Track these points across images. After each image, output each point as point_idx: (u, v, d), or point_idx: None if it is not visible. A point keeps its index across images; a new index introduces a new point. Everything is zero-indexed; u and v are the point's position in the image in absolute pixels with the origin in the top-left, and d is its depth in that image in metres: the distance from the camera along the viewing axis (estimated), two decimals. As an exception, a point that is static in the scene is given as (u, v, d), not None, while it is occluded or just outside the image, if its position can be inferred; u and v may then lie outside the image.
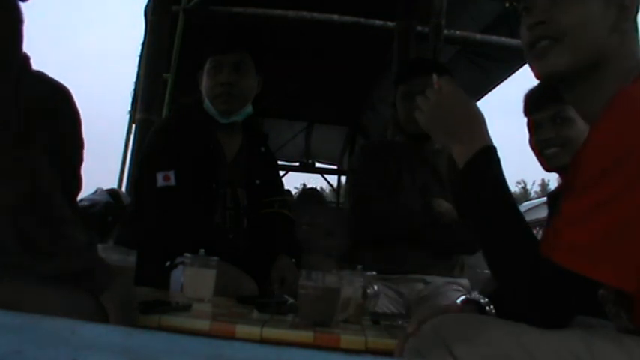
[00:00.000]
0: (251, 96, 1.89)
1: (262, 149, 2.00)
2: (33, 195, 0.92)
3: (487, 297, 0.96)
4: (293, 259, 1.79)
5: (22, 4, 0.94)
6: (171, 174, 1.71)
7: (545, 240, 0.82)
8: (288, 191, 5.35)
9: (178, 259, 1.61)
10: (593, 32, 0.90)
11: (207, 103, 1.86)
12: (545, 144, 1.56)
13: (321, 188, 17.70)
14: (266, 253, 1.78)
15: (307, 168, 8.65)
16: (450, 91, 0.99)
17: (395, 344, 1.07)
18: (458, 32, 4.06)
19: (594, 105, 0.90)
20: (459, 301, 1.00)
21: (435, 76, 1.04)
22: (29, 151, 0.93)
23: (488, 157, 0.93)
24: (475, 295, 0.98)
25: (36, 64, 1.06)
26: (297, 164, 8.38)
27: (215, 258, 1.43)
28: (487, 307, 0.94)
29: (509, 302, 0.90)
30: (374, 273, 1.46)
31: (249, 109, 1.89)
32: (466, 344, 0.79)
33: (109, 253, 1.27)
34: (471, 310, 0.95)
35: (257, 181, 1.93)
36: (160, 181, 1.71)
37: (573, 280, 0.78)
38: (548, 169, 1.57)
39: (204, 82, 1.87)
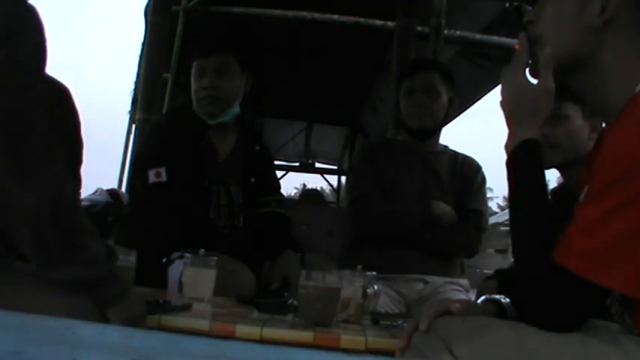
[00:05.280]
0: (236, 97, 1.90)
1: (257, 148, 2.01)
2: (58, 201, 0.93)
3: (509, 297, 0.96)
4: (299, 253, 1.80)
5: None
6: (163, 170, 1.75)
7: (559, 245, 0.82)
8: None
9: (175, 255, 1.62)
10: (567, 32, 0.92)
11: (195, 105, 1.88)
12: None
13: (321, 188, 17.69)
14: (265, 251, 1.79)
15: (307, 168, 8.66)
16: (507, 79, 0.97)
17: (395, 344, 1.08)
18: (458, 32, 4.06)
19: (604, 102, 0.90)
20: (479, 301, 1.00)
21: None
22: (56, 156, 0.94)
23: (525, 152, 0.93)
24: (496, 295, 0.98)
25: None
26: (297, 164, 8.38)
27: (215, 258, 1.44)
28: (508, 308, 0.95)
29: (521, 301, 0.91)
30: (374, 273, 1.46)
31: (235, 109, 1.91)
32: (466, 344, 0.79)
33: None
34: (492, 310, 0.95)
35: (252, 179, 1.94)
36: (152, 177, 1.75)
37: (585, 286, 0.78)
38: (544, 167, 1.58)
39: (192, 86, 1.90)
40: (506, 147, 0.95)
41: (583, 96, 0.96)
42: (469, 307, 0.94)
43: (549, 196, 1.72)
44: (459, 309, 0.91)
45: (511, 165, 0.94)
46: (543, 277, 0.82)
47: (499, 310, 0.96)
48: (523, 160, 0.92)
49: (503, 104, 0.98)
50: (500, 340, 0.80)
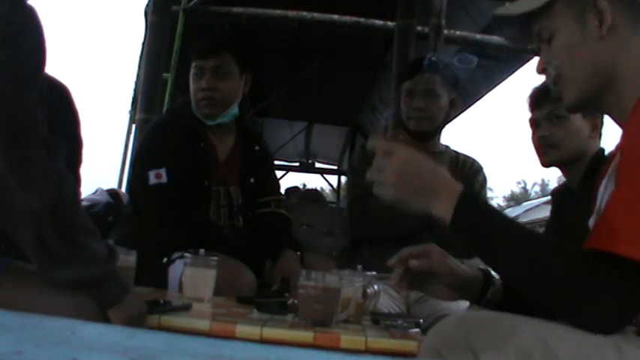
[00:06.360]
0: (235, 97, 1.90)
1: (256, 148, 2.01)
2: (59, 201, 0.93)
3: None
4: (298, 252, 1.80)
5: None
6: (163, 171, 1.74)
7: (600, 235, 0.76)
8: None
9: (175, 255, 1.62)
10: (583, 57, 0.90)
11: (193, 106, 1.89)
12: (541, 141, 1.60)
13: (321, 188, 17.69)
14: (265, 251, 1.79)
15: (307, 168, 8.67)
16: (401, 157, 0.98)
17: (395, 344, 1.08)
18: (458, 32, 4.06)
19: (624, 108, 0.87)
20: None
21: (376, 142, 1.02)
22: (57, 156, 0.94)
23: (471, 197, 0.92)
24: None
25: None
26: (297, 164, 8.40)
27: (215, 258, 1.44)
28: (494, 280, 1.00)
29: (560, 312, 0.80)
30: (374, 273, 1.46)
31: (234, 110, 1.91)
32: (493, 350, 0.73)
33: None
34: (478, 276, 1.03)
35: (252, 180, 1.94)
36: (152, 178, 1.74)
37: (635, 273, 0.71)
38: (545, 165, 1.63)
39: (190, 87, 1.90)
40: (442, 213, 0.94)
41: (609, 111, 0.92)
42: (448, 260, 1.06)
43: (550, 196, 1.74)
44: (437, 255, 1.03)
45: (476, 224, 0.89)
46: (586, 274, 0.75)
47: (485, 279, 1.03)
48: (481, 210, 0.90)
49: (407, 188, 0.98)
50: (530, 346, 0.73)
